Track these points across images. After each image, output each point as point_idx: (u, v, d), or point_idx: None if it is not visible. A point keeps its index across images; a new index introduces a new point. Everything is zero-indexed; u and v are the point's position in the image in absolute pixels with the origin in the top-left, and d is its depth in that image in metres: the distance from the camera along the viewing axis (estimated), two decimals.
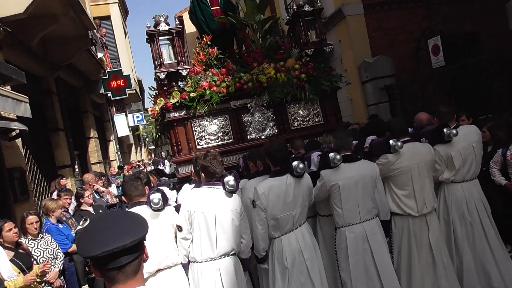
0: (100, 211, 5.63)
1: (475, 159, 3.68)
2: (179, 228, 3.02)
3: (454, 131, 3.59)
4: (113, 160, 13.36)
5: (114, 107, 14.80)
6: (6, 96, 4.31)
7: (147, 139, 27.05)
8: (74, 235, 4.88)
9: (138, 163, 16.18)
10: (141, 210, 2.93)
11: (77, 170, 8.50)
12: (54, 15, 6.51)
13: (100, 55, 11.51)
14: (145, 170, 14.29)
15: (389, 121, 3.93)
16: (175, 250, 3.06)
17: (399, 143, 3.39)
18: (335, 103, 5.34)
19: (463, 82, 7.14)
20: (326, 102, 5.25)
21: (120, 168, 11.92)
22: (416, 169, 3.43)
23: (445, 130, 3.60)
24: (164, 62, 4.89)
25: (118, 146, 14.28)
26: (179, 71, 4.87)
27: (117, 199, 7.82)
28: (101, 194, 7.33)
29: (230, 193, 3.09)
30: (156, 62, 4.86)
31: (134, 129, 19.47)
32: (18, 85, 5.60)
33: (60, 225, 4.92)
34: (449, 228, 3.63)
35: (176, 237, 3.08)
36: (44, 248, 4.22)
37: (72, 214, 5.56)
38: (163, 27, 4.85)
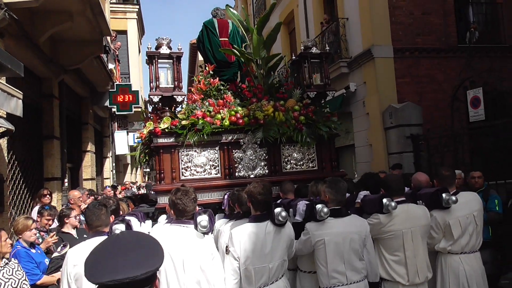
0: (85, 236, 4.56)
1: (476, 230, 3.39)
2: None
3: (454, 198, 3.32)
4: (107, 178, 12.79)
5: (116, 123, 14.45)
6: None
7: (138, 162, 26.47)
8: (48, 263, 3.96)
9: (131, 184, 15.72)
10: (99, 242, 2.62)
11: (66, 184, 7.68)
12: (69, 12, 6.03)
13: (111, 66, 11.13)
14: (139, 192, 13.88)
15: (385, 177, 3.67)
16: None
17: (393, 203, 3.12)
18: (332, 150, 5.11)
19: (504, 140, 6.61)
20: (323, 148, 5.03)
21: (114, 187, 11.27)
22: (410, 234, 3.14)
23: (444, 195, 3.33)
24: (160, 86, 4.71)
25: (114, 164, 13.71)
26: (174, 96, 4.69)
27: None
28: None
29: (202, 233, 2.80)
30: (151, 84, 4.69)
31: (133, 149, 19.07)
32: (16, 82, 5.24)
33: (33, 250, 3.98)
34: None
35: None
36: (6, 278, 3.24)
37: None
38: (164, 50, 4.71)
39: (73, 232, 4.66)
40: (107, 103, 11.31)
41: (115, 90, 11.42)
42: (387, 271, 3.17)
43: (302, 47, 5.27)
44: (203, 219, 2.74)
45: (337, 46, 9.96)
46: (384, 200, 3.13)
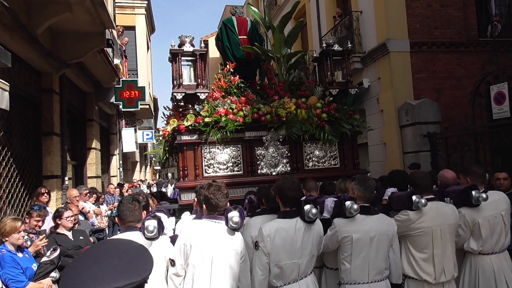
0: (81, 237, 4.53)
1: (504, 229, 3.35)
2: (172, 262, 2.72)
3: (484, 195, 3.28)
4: (114, 176, 12.59)
5: (124, 120, 14.17)
6: None
7: (153, 159, 26.50)
8: (36, 268, 3.64)
9: (139, 183, 15.75)
10: (133, 237, 2.65)
11: (66, 182, 7.27)
12: (67, 2, 5.70)
13: (116, 61, 10.74)
14: (147, 191, 13.86)
15: (413, 174, 3.64)
16: (165, 286, 2.74)
17: (423, 200, 3.09)
18: (354, 148, 5.10)
19: None
20: (345, 146, 5.02)
21: (120, 185, 11.12)
22: (439, 232, 3.11)
23: (473, 192, 3.29)
24: (183, 83, 4.74)
25: (121, 162, 13.53)
26: (197, 94, 4.72)
27: (108, 222, 6.96)
28: (86, 215, 6.18)
29: (232, 230, 2.81)
30: (175, 81, 4.73)
31: (142, 147, 18.92)
32: (12, 76, 5.06)
33: (19, 254, 3.61)
34: None
35: (167, 271, 2.77)
36: None
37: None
38: (187, 47, 4.74)
39: (69, 234, 4.41)
40: (112, 99, 10.91)
41: (120, 86, 10.91)
42: (414, 269, 3.14)
43: (324, 44, 5.25)
44: (234, 215, 2.75)
45: (350, 40, 9.51)
46: (414, 197, 3.10)
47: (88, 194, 6.75)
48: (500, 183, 4.75)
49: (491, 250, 3.29)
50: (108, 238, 4.61)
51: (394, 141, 8.34)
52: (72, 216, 4.42)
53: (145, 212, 3.04)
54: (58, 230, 4.34)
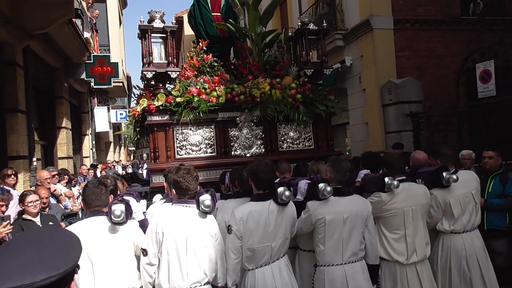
0: (50, 223, 4.19)
1: (475, 208, 3.42)
2: (144, 252, 2.62)
3: (454, 177, 3.32)
4: (87, 157, 12.22)
5: (96, 99, 13.64)
6: None
7: (128, 140, 25.78)
8: None
9: (113, 164, 15.41)
10: (99, 222, 2.55)
11: (34, 163, 6.84)
12: None
13: (86, 35, 10.21)
14: (123, 172, 13.50)
15: (386, 156, 3.64)
16: (134, 272, 2.66)
17: (395, 182, 3.10)
18: (329, 129, 5.07)
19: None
20: (320, 127, 4.99)
21: (94, 166, 10.80)
22: (410, 212, 3.14)
23: (444, 173, 3.33)
24: (154, 61, 4.55)
25: (94, 142, 13.06)
26: (168, 72, 4.55)
27: (81, 205, 6.85)
28: (59, 198, 5.77)
29: (204, 213, 2.73)
30: (145, 59, 4.53)
31: (116, 127, 18.37)
32: None
33: None
34: (444, 278, 3.33)
35: (138, 259, 2.68)
36: None
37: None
38: (157, 23, 4.53)
39: (36, 219, 4.06)
40: (83, 76, 10.40)
41: (92, 61, 10.36)
42: (386, 250, 3.17)
43: (299, 23, 5.13)
44: (206, 198, 2.67)
45: (332, 17, 9.30)
46: (386, 179, 3.10)
47: (57, 176, 6.32)
48: (484, 162, 4.47)
49: (462, 229, 3.36)
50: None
51: (376, 121, 8.18)
52: (36, 200, 4.04)
53: (112, 196, 2.91)
54: (24, 216, 4.01)
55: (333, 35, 9.15)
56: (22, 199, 4.02)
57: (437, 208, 3.36)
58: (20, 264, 0.95)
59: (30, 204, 3.96)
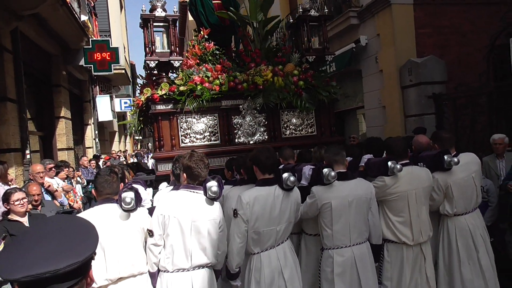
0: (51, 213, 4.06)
1: (476, 190, 3.48)
2: (150, 233, 2.70)
3: (455, 159, 3.37)
4: (89, 148, 11.86)
5: (98, 87, 13.14)
6: None
7: (131, 130, 25.24)
8: None
9: (118, 154, 15.36)
10: (110, 209, 2.61)
11: (28, 156, 6.34)
12: None
13: (84, 18, 9.67)
14: (125, 162, 13.42)
15: (389, 140, 3.69)
16: (143, 258, 2.73)
17: (398, 166, 3.15)
18: (331, 115, 5.11)
19: None
20: (322, 114, 5.02)
21: (96, 157, 10.32)
22: (414, 195, 3.20)
23: (446, 157, 3.37)
24: (156, 50, 4.57)
25: (97, 132, 12.63)
26: (171, 61, 4.57)
27: (83, 201, 6.31)
28: (54, 194, 5.31)
29: (211, 200, 2.80)
30: (147, 49, 4.55)
31: (121, 116, 17.68)
32: None
33: None
34: (452, 258, 3.41)
35: (146, 243, 2.75)
36: None
37: None
38: (159, 12, 4.54)
39: (24, 220, 3.61)
40: (82, 62, 9.78)
41: (90, 47, 9.79)
42: (393, 232, 3.24)
43: (301, 10, 5.13)
44: (213, 184, 2.73)
45: None
46: (389, 163, 3.16)
47: (54, 169, 5.95)
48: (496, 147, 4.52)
49: (464, 210, 3.42)
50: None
51: (395, 104, 7.59)
52: (23, 198, 3.61)
53: (122, 184, 2.97)
54: (9, 217, 3.58)
55: (347, 12, 8.44)
56: (6, 198, 3.57)
57: (439, 191, 3.42)
58: (43, 251, 0.97)
59: (17, 203, 3.55)
